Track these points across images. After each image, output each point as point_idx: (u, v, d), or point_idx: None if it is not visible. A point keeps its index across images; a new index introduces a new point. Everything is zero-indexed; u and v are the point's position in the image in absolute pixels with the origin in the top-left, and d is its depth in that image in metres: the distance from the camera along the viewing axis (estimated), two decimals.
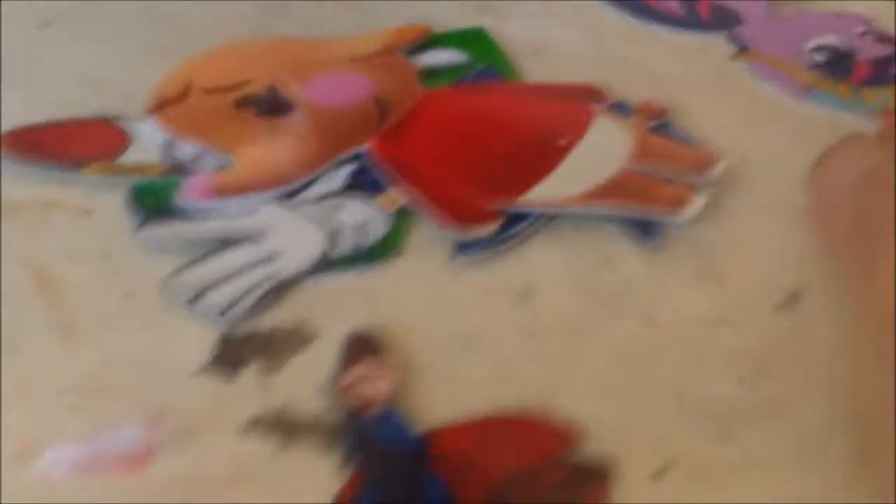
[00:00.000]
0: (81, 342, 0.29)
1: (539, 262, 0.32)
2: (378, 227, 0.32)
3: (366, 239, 0.32)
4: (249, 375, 0.29)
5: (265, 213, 0.33)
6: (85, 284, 0.31)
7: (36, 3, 0.42)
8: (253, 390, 0.28)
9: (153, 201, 0.33)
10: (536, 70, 0.39)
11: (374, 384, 0.28)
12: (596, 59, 0.40)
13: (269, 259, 0.31)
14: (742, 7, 0.42)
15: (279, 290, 0.30)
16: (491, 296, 0.31)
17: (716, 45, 0.41)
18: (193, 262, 0.31)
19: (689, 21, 0.42)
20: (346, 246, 0.32)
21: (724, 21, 0.42)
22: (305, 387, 0.28)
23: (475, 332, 0.30)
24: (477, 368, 0.29)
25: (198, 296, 0.30)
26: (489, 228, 0.32)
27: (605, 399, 0.28)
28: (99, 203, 0.33)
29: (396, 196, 0.33)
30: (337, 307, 0.30)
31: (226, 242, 0.32)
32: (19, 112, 0.36)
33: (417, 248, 0.32)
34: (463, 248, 0.32)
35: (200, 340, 0.29)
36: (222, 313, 0.29)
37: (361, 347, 0.29)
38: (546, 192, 0.33)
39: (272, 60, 0.38)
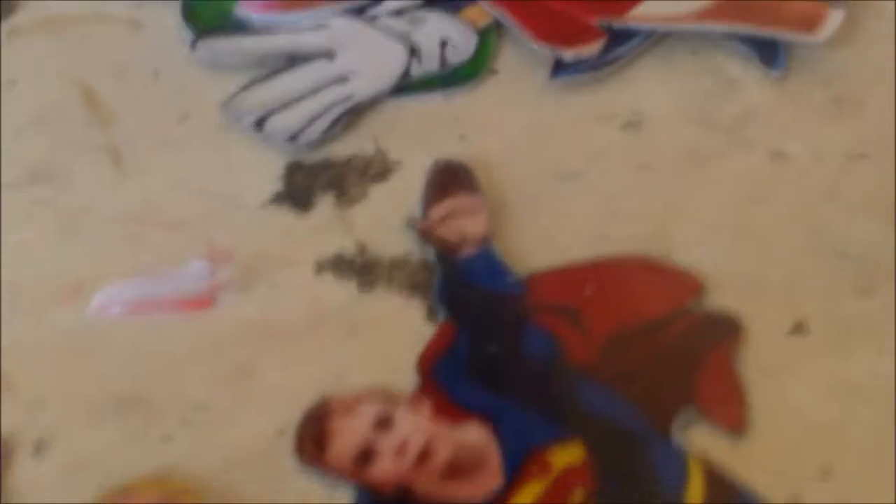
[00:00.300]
0: (135, 168, 0.26)
1: (650, 86, 0.28)
2: (465, 44, 0.28)
3: (451, 57, 0.28)
4: (324, 208, 0.25)
5: (338, 27, 0.29)
6: (137, 105, 0.28)
7: None
8: (328, 225, 0.25)
9: (210, 14, 0.29)
10: None
11: (466, 221, 0.24)
12: None
13: (343, 78, 0.27)
14: None
15: (355, 114, 0.27)
16: (595, 123, 0.27)
17: None
18: (258, 81, 0.28)
19: None
20: (429, 65, 0.28)
21: None
22: (388, 222, 0.25)
23: (578, 163, 0.26)
24: (581, 204, 0.25)
25: (263, 118, 0.26)
26: (593, 48, 0.28)
27: (729, 242, 0.25)
28: (149, 16, 0.30)
29: (485, 9, 0.29)
30: (421, 133, 0.27)
31: (294, 59, 0.28)
32: None
33: (510, 69, 0.28)
34: (562, 69, 0.28)
35: (268, 168, 0.26)
36: (292, 138, 0.26)
37: (450, 179, 0.25)
38: (657, 7, 0.28)
39: None
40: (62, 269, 0.24)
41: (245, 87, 0.27)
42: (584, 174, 0.26)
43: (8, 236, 0.25)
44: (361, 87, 0.27)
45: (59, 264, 0.25)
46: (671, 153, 0.26)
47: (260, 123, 0.26)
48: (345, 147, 0.27)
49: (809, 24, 0.28)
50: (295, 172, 0.26)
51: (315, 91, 0.27)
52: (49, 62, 0.29)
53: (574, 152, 0.26)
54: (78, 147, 0.27)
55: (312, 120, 0.26)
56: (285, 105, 0.27)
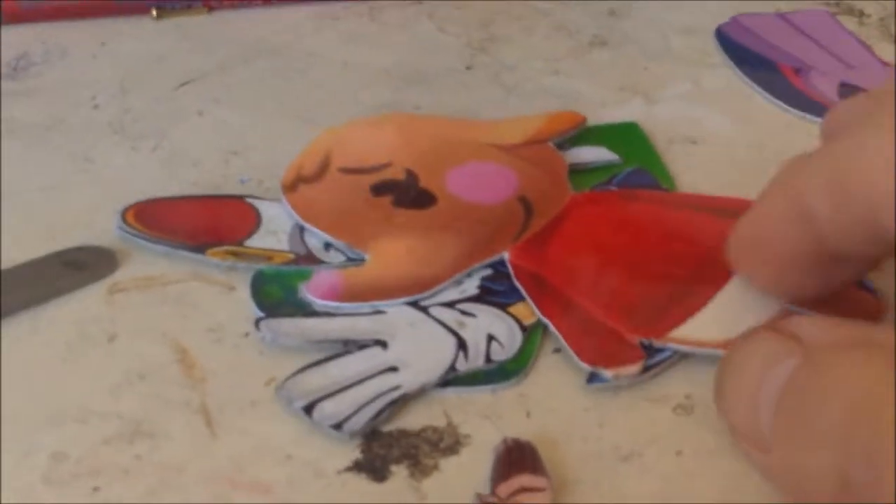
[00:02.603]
0: (225, 429, 0.28)
1: (698, 373, 0.30)
2: (510, 342, 0.30)
3: (496, 354, 0.30)
4: (398, 479, 0.27)
5: (392, 315, 0.31)
6: (227, 366, 0.30)
7: (174, 61, 0.42)
8: (402, 495, 0.27)
9: (277, 289, 0.32)
10: (687, 162, 0.38)
11: (534, 497, 0.26)
12: (748, 152, 0.38)
13: (393, 368, 0.29)
14: None
15: (401, 405, 0.29)
16: (650, 405, 0.29)
17: None
18: (312, 365, 0.29)
19: None
20: (475, 360, 0.30)
21: None
22: (458, 495, 0.27)
23: (634, 444, 0.28)
24: (638, 484, 0.27)
25: (313, 404, 0.28)
26: (632, 370, 0.29)
27: None
28: (243, 280, 0.33)
29: (532, 311, 0.31)
30: (489, 408, 0.29)
31: (349, 344, 0.30)
32: (156, 176, 0.36)
33: (553, 366, 0.30)
34: (598, 378, 0.29)
35: (347, 435, 0.28)
36: (337, 426, 0.28)
37: (517, 458, 0.27)
38: (696, 330, 0.30)
39: (414, 141, 0.37)
40: None
41: (299, 371, 0.29)
42: (641, 455, 0.28)
43: (107, 492, 0.27)
44: (409, 379, 0.29)
45: None
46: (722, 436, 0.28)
47: (309, 409, 0.28)
48: (418, 418, 0.29)
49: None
50: (372, 441, 0.28)
51: (365, 379, 0.29)
52: (147, 320, 0.32)
53: (630, 433, 0.28)
54: (173, 406, 0.29)
55: (360, 408, 0.28)
56: (335, 392, 0.29)
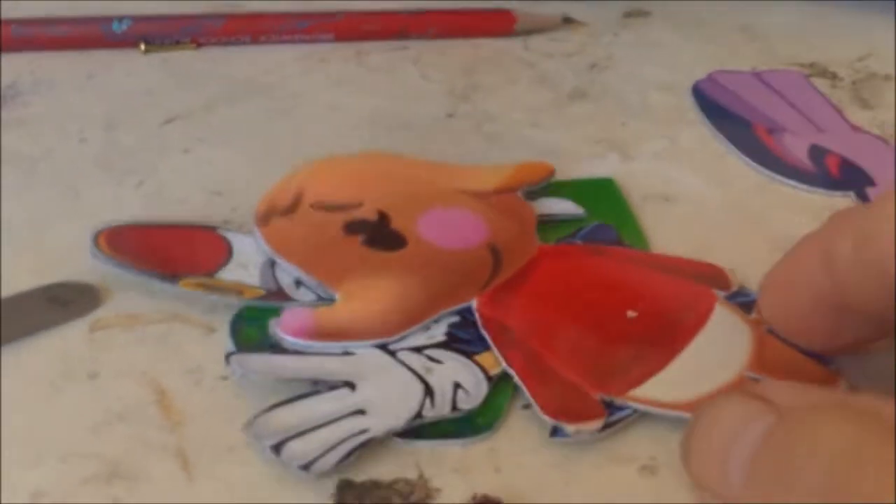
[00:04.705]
0: (201, 473, 0.29)
1: (663, 435, 0.31)
2: (476, 391, 0.31)
3: (462, 402, 0.31)
4: None
5: (362, 356, 0.32)
6: (204, 409, 0.31)
7: (161, 96, 0.43)
8: None
9: (254, 331, 0.32)
10: (661, 220, 0.39)
11: None
12: (720, 212, 0.39)
13: (360, 410, 0.30)
14: (873, 167, 0.42)
15: (367, 447, 0.29)
16: (615, 466, 0.30)
17: (844, 205, 0.40)
18: (281, 404, 0.30)
19: (818, 177, 0.41)
20: (441, 408, 0.30)
21: (853, 180, 0.41)
22: None
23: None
24: None
25: (282, 443, 0.29)
26: (592, 426, 0.30)
27: None
28: (223, 322, 0.33)
29: (497, 360, 0.32)
30: (460, 461, 0.30)
31: (317, 384, 0.31)
32: (140, 213, 0.36)
33: (522, 421, 0.31)
34: (561, 433, 0.30)
35: (322, 483, 0.29)
36: (305, 467, 0.28)
37: None
38: (656, 390, 0.31)
39: (388, 182, 0.38)
40: None
41: (269, 409, 0.30)
42: None
43: None
44: (376, 423, 0.30)
45: None
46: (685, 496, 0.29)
47: (278, 448, 0.29)
48: (390, 468, 0.29)
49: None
50: (345, 491, 0.29)
51: (333, 420, 0.30)
52: (128, 359, 0.32)
53: (596, 493, 0.29)
54: (151, 448, 0.30)
55: (328, 450, 0.29)
56: (304, 431, 0.29)
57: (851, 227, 0.28)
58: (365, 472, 0.29)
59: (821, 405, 0.24)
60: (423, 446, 0.30)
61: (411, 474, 0.29)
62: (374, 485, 0.29)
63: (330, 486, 0.29)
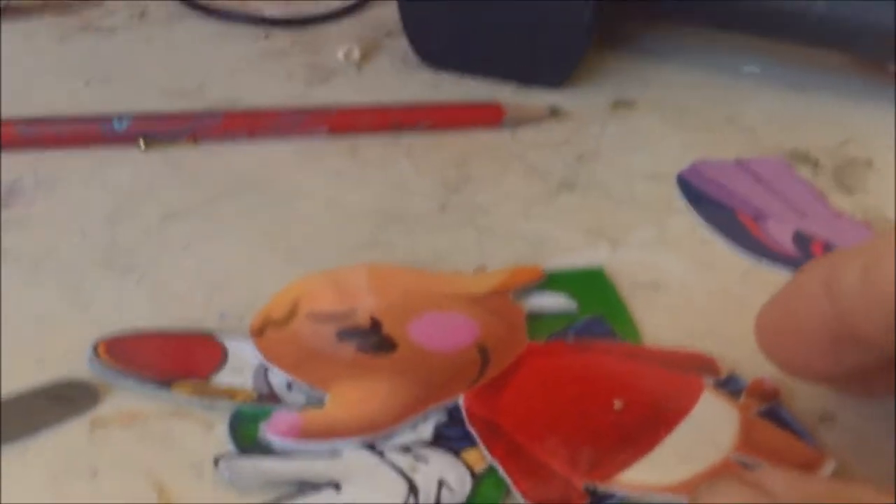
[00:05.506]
0: None
1: None
2: (460, 487, 0.31)
3: (446, 498, 0.31)
4: None
5: (348, 457, 0.32)
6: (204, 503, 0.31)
7: (160, 193, 0.44)
8: None
9: (254, 431, 0.33)
10: (650, 308, 0.39)
11: None
12: (708, 299, 0.40)
13: None
14: None
15: None
16: None
17: None
18: None
19: (803, 262, 0.42)
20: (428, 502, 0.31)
21: None
22: None
23: None
24: None
25: None
26: None
27: None
28: (222, 418, 0.34)
29: (483, 455, 0.32)
30: None
31: (303, 486, 0.31)
32: (140, 310, 0.37)
33: None
34: None
35: None
36: None
37: None
38: (641, 474, 0.32)
39: (382, 290, 0.39)
40: None
41: None
42: None
43: None
44: None
45: None
46: None
47: None
48: None
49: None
50: None
51: None
52: (128, 456, 0.33)
53: None
54: None
55: None
56: None
57: (857, 255, 0.28)
58: None
59: (814, 498, 0.25)
60: None
61: None
62: None
63: None
